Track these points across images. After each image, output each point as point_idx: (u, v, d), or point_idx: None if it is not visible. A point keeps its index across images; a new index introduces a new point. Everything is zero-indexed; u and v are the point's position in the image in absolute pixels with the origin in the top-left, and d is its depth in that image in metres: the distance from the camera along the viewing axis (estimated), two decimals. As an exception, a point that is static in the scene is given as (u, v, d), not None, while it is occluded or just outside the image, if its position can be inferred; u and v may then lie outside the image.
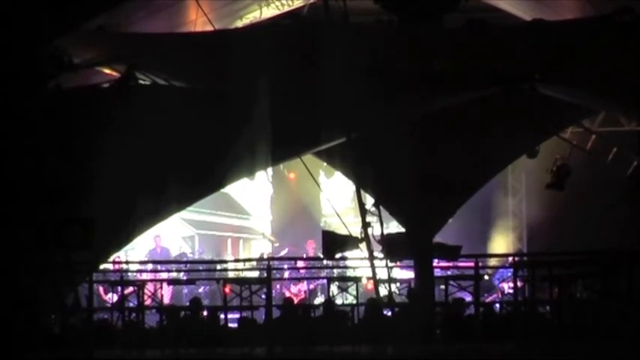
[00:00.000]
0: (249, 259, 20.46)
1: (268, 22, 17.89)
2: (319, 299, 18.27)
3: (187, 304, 15.02)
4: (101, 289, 16.62)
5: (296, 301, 17.47)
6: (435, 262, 15.28)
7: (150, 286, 14.21)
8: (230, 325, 14.05)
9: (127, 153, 11.95)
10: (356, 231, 13.66)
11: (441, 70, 12.39)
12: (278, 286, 18.63)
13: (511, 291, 16.88)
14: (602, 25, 12.73)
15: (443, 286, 14.28)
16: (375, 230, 13.44)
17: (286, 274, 18.58)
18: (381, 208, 13.55)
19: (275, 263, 18.15)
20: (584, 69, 12.75)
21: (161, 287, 14.57)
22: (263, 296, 13.90)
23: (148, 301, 13.99)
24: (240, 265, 19.77)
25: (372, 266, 13.55)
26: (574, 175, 16.52)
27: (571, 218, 18.97)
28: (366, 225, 13.39)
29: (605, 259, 13.80)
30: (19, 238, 11.01)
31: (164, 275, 16.93)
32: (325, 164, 17.14)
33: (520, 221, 21.61)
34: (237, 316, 14.21)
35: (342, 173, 15.96)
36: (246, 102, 12.36)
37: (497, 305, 16.08)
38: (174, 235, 21.16)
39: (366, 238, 13.43)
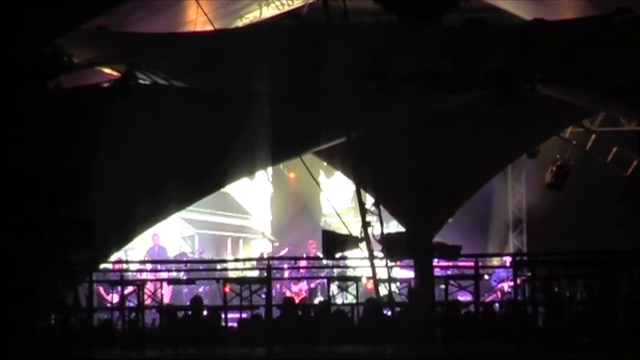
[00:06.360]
0: (249, 259, 20.45)
1: (268, 22, 17.90)
2: (319, 299, 18.28)
3: (187, 303, 15.03)
4: (101, 289, 16.62)
5: (297, 300, 17.48)
6: (435, 262, 15.28)
7: (150, 286, 14.22)
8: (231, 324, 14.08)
9: (127, 153, 11.96)
10: (356, 231, 13.66)
11: (445, 70, 12.39)
12: (278, 286, 18.63)
13: (510, 290, 16.89)
14: (602, 25, 12.73)
15: (443, 286, 14.28)
16: (375, 230, 13.44)
17: (286, 274, 18.58)
18: (381, 208, 13.56)
19: (275, 263, 18.16)
20: (583, 69, 12.76)
21: (161, 287, 14.56)
22: (263, 296, 13.91)
23: (147, 301, 14.00)
24: (240, 265, 19.78)
25: (372, 266, 13.56)
26: (574, 175, 16.55)
27: (571, 218, 18.99)
28: (366, 225, 13.39)
29: (605, 259, 13.81)
30: (19, 238, 11.02)
31: (164, 275, 16.93)
32: (325, 164, 17.15)
33: (520, 221, 21.62)
34: (237, 315, 14.22)
35: (342, 173, 15.97)
36: (246, 102, 12.36)
37: (497, 305, 16.07)
38: (174, 234, 21.17)
39: (366, 237, 13.44)
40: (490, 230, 21.15)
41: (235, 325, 14.16)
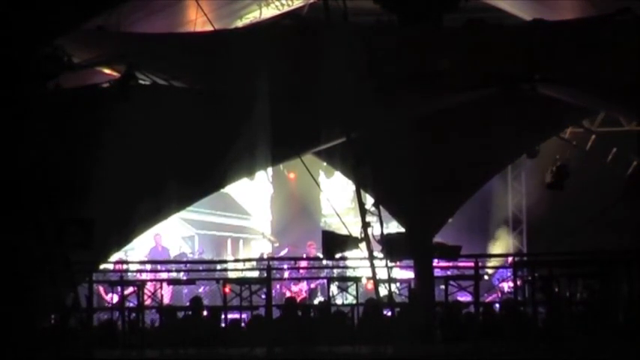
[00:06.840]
0: (249, 259, 20.45)
1: (268, 22, 17.90)
2: (319, 299, 18.28)
3: (187, 304, 15.03)
4: (101, 289, 16.62)
5: (297, 300, 17.48)
6: (435, 262, 15.28)
7: (150, 286, 14.22)
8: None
9: (127, 153, 11.95)
10: (356, 231, 13.65)
11: (444, 69, 12.40)
12: (278, 286, 18.63)
13: (511, 290, 16.90)
14: (602, 25, 12.74)
15: (443, 286, 14.28)
16: (375, 230, 13.44)
17: (286, 274, 18.58)
18: (381, 208, 13.56)
19: (275, 263, 18.15)
20: (584, 69, 12.76)
21: (161, 287, 14.56)
22: (263, 296, 13.91)
23: (147, 301, 14.00)
24: (240, 265, 19.77)
25: (372, 266, 13.56)
26: (574, 175, 16.55)
27: (571, 218, 18.97)
28: (366, 225, 13.39)
29: (605, 259, 13.82)
30: (19, 238, 11.01)
31: (164, 275, 16.93)
32: (325, 164, 17.15)
33: (520, 221, 21.62)
34: (237, 316, 14.22)
35: (342, 173, 15.97)
36: (246, 102, 12.36)
37: (497, 305, 16.08)
38: (174, 234, 21.16)
39: (366, 238, 13.44)
40: (490, 230, 21.15)
41: (235, 325, 14.16)
